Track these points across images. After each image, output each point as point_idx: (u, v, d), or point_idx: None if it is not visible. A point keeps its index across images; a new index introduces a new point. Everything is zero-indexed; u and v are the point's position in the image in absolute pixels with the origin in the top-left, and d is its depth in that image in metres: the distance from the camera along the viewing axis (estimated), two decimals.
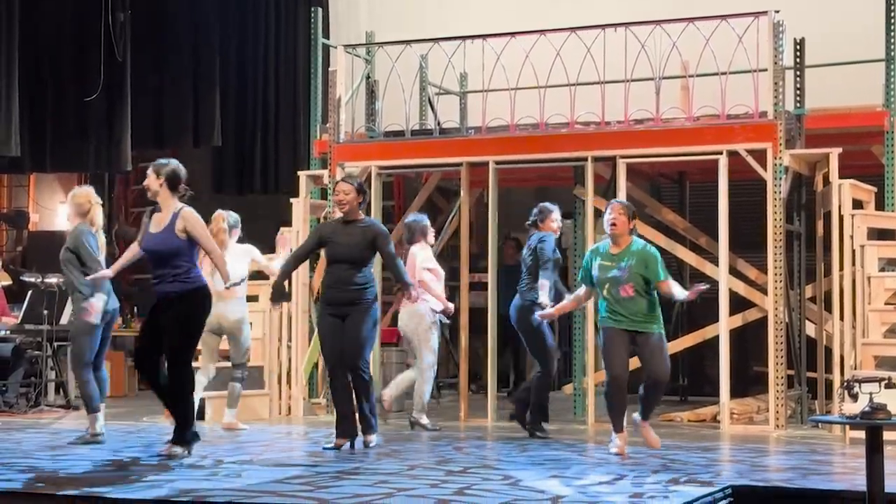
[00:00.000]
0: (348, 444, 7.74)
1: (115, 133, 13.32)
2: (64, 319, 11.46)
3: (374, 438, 7.84)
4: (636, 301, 7.46)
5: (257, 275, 11.10)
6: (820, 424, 9.22)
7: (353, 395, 7.80)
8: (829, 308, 9.79)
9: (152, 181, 7.34)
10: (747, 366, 11.31)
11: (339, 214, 8.06)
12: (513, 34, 10.43)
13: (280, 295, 7.94)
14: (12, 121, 12.11)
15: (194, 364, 8.28)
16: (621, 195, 9.84)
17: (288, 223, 10.98)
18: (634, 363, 7.74)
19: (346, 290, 7.74)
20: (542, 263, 8.65)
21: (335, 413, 7.89)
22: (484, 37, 10.50)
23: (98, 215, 8.26)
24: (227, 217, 9.27)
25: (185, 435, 7.28)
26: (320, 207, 11.06)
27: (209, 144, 13.85)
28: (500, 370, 10.92)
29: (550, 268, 8.63)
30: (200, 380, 9.12)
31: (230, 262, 8.40)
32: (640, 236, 7.89)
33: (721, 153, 9.64)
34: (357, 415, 7.81)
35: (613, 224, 7.54)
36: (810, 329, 10.48)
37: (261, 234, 11.68)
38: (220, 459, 7.27)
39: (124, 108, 13.27)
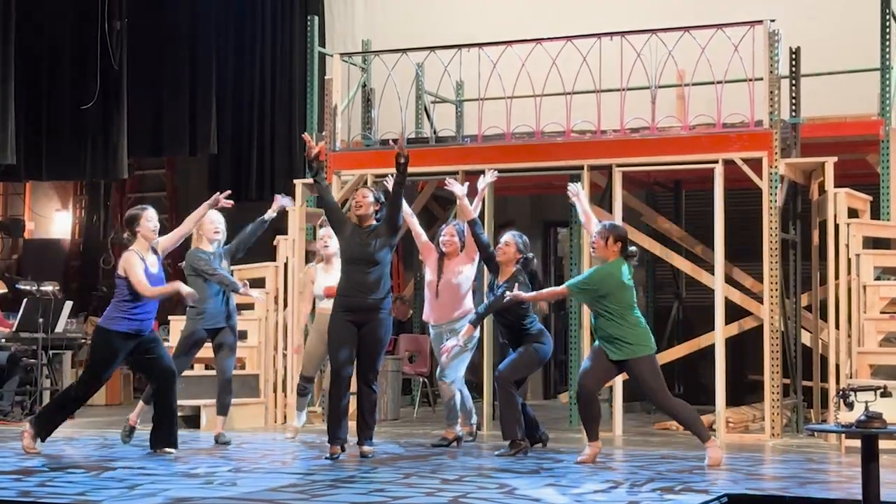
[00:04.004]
0: (340, 449, 7.73)
1: (112, 141, 13.34)
2: (59, 328, 11.47)
3: (371, 449, 7.85)
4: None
5: (253, 283, 11.11)
6: (816, 433, 9.22)
7: (357, 404, 7.82)
8: (824, 317, 9.79)
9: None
10: (743, 374, 11.31)
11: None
12: (509, 43, 10.44)
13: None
14: (8, 128, 12.11)
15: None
16: (617, 204, 9.86)
17: (283, 231, 10.98)
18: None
19: (364, 296, 7.69)
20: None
21: (329, 419, 7.85)
22: (480, 45, 10.51)
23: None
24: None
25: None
26: (316, 216, 11.05)
27: (205, 152, 13.86)
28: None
29: None
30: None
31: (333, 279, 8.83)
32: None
33: (717, 162, 9.65)
34: (359, 426, 7.82)
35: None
36: (806, 338, 10.49)
37: (256, 241, 11.68)
38: (214, 468, 7.26)
39: (121, 116, 13.28)
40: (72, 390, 8.18)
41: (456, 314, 8.69)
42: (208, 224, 8.86)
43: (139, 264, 7.82)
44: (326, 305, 8.89)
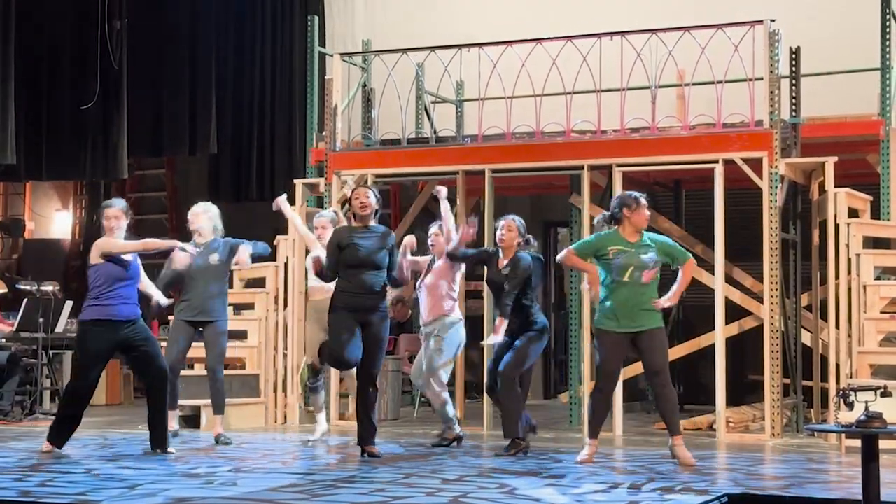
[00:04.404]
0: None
1: (112, 141, 13.34)
2: (59, 328, 11.47)
3: (379, 450, 7.89)
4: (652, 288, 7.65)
5: (253, 283, 11.12)
6: (816, 433, 9.22)
7: (359, 405, 7.87)
8: (824, 317, 9.79)
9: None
10: (743, 374, 11.32)
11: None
12: (509, 43, 10.44)
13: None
14: (8, 128, 12.11)
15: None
16: None
17: (284, 231, 10.98)
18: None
19: (368, 296, 7.76)
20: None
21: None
22: (480, 45, 10.51)
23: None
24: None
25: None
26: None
27: (205, 152, 13.86)
28: None
29: None
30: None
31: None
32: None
33: (717, 162, 9.65)
34: (364, 427, 7.85)
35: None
36: (806, 338, 10.48)
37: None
38: (214, 468, 7.26)
39: (121, 116, 13.28)
40: (69, 385, 8.28)
41: (437, 314, 8.68)
42: (191, 216, 9.05)
43: (110, 240, 7.90)
44: (316, 285, 8.88)
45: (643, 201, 7.77)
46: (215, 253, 8.87)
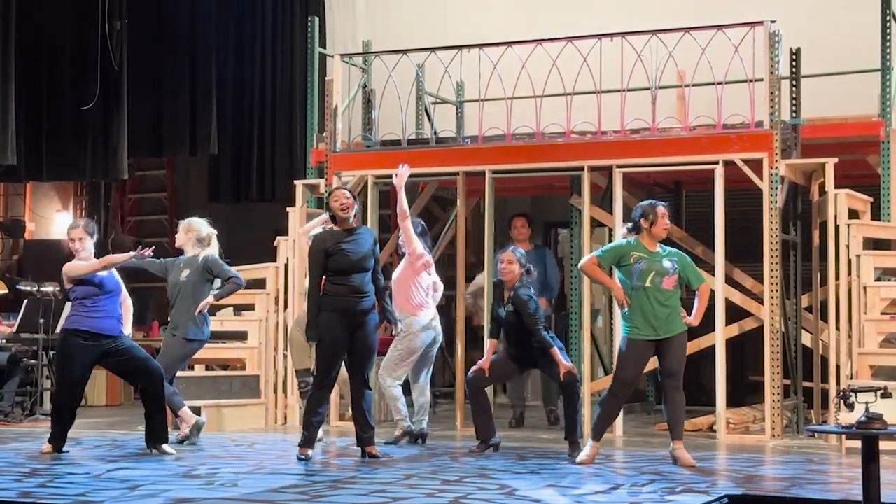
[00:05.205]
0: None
1: (112, 141, 13.33)
2: (59, 328, 11.46)
3: (378, 449, 7.90)
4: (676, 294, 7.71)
5: (253, 284, 11.12)
6: (816, 434, 9.22)
7: (356, 406, 7.87)
8: (825, 318, 9.79)
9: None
10: (743, 375, 11.31)
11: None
12: (509, 44, 10.44)
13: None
14: (8, 129, 12.11)
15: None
16: (618, 205, 9.86)
17: (284, 232, 10.98)
18: None
19: (360, 299, 7.78)
20: None
21: (307, 421, 7.85)
22: (480, 46, 10.51)
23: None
24: None
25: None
26: (315, 215, 11.04)
27: (206, 153, 13.86)
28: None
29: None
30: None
31: None
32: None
33: (717, 163, 9.65)
34: (362, 427, 7.86)
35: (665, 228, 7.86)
36: (806, 339, 10.48)
37: (257, 242, 11.66)
38: (215, 469, 7.26)
39: (121, 117, 13.28)
40: (54, 402, 8.37)
41: (403, 312, 8.84)
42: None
43: (73, 265, 7.97)
44: None
45: (661, 210, 7.79)
46: (187, 269, 8.92)
